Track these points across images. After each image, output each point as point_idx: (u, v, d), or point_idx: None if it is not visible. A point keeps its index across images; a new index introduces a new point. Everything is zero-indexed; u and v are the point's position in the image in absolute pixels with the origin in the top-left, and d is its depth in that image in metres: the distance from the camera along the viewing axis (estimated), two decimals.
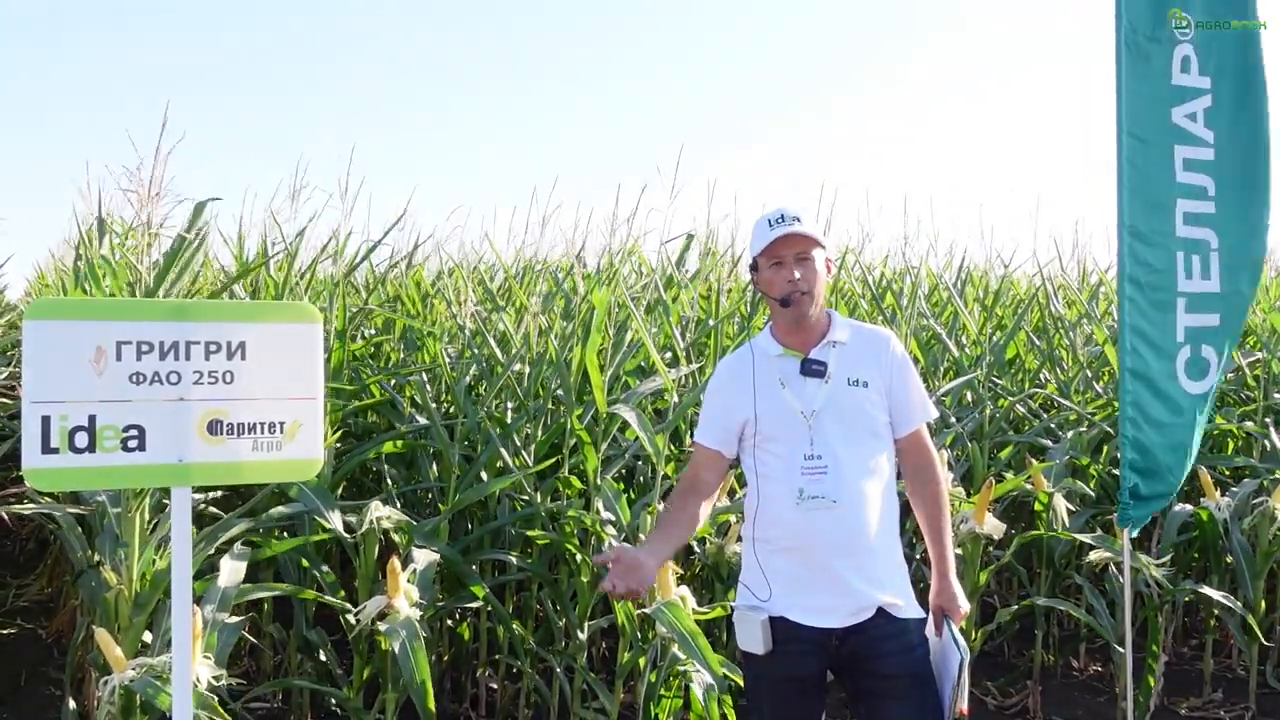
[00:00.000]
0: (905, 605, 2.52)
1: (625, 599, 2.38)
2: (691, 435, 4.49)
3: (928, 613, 2.61)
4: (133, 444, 2.35)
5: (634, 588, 2.37)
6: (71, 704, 3.70)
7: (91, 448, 2.31)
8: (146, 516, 3.27)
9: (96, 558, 3.40)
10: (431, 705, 3.14)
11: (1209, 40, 3.58)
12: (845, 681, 2.58)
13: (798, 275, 2.50)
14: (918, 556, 4.30)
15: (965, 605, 2.60)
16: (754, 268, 2.61)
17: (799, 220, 2.51)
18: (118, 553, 3.22)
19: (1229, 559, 4.70)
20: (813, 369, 2.53)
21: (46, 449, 2.28)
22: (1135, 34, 3.53)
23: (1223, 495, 4.65)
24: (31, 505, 3.79)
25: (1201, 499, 4.65)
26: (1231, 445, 5.60)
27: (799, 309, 2.52)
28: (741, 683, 3.39)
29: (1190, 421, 3.60)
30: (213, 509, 4.02)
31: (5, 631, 5.18)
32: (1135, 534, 3.75)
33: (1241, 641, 4.62)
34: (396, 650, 3.16)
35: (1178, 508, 4.71)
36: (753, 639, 2.51)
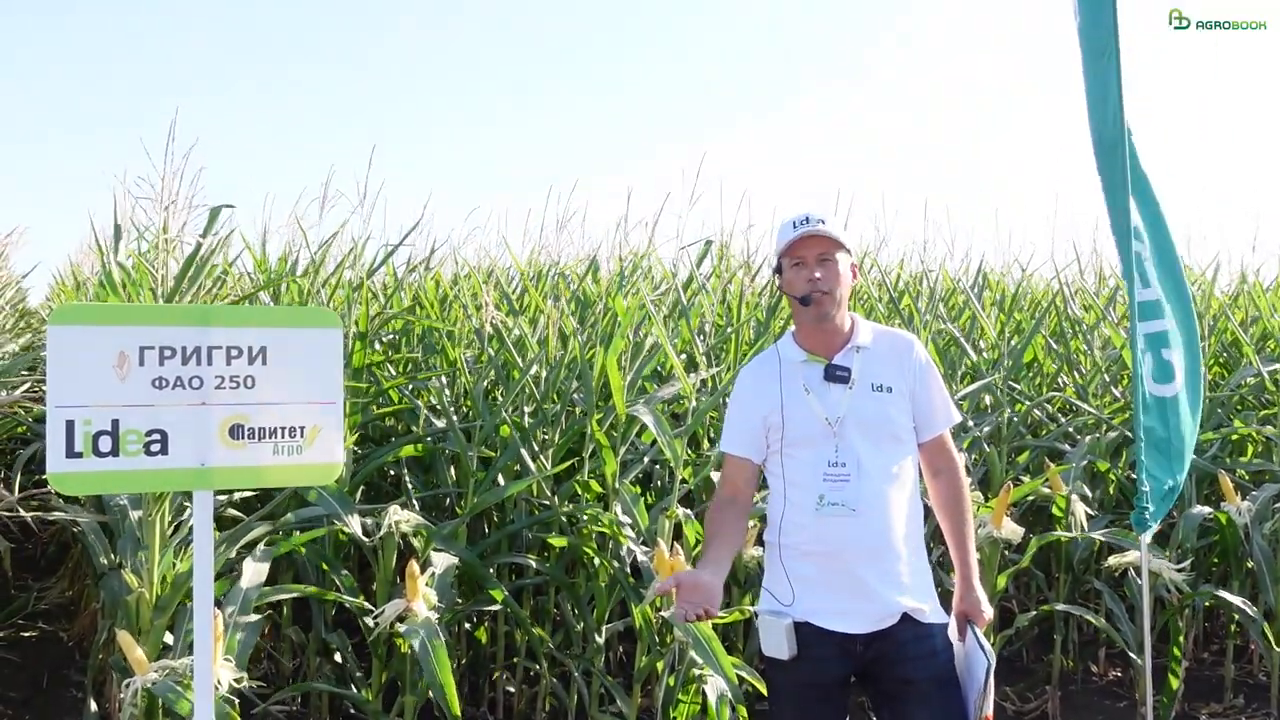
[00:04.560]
0: (929, 610, 2.51)
1: (701, 619, 2.38)
2: (710, 440, 4.52)
3: (950, 617, 2.61)
4: (155, 448, 2.37)
5: (706, 608, 2.33)
6: (93, 706, 3.73)
7: (115, 452, 2.33)
8: (167, 519, 3.29)
9: (118, 560, 3.43)
10: (455, 704, 3.15)
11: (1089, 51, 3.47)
12: (869, 686, 2.57)
13: (818, 275, 2.50)
14: (934, 561, 4.29)
15: (989, 611, 2.58)
16: (778, 269, 2.60)
17: (823, 222, 2.51)
18: (138, 555, 3.25)
19: (1250, 563, 4.67)
20: (837, 375, 2.52)
21: (70, 453, 2.30)
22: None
23: (1243, 499, 4.62)
24: (57, 513, 3.82)
25: (1221, 503, 4.62)
26: (1251, 450, 5.56)
27: (819, 309, 2.51)
28: (759, 687, 3.41)
29: (1163, 424, 3.56)
30: (232, 511, 4.04)
31: (27, 634, 5.22)
32: (1148, 538, 3.72)
33: (1262, 647, 4.59)
34: (416, 649, 3.17)
35: (1194, 510, 4.67)
36: (777, 644, 2.50)
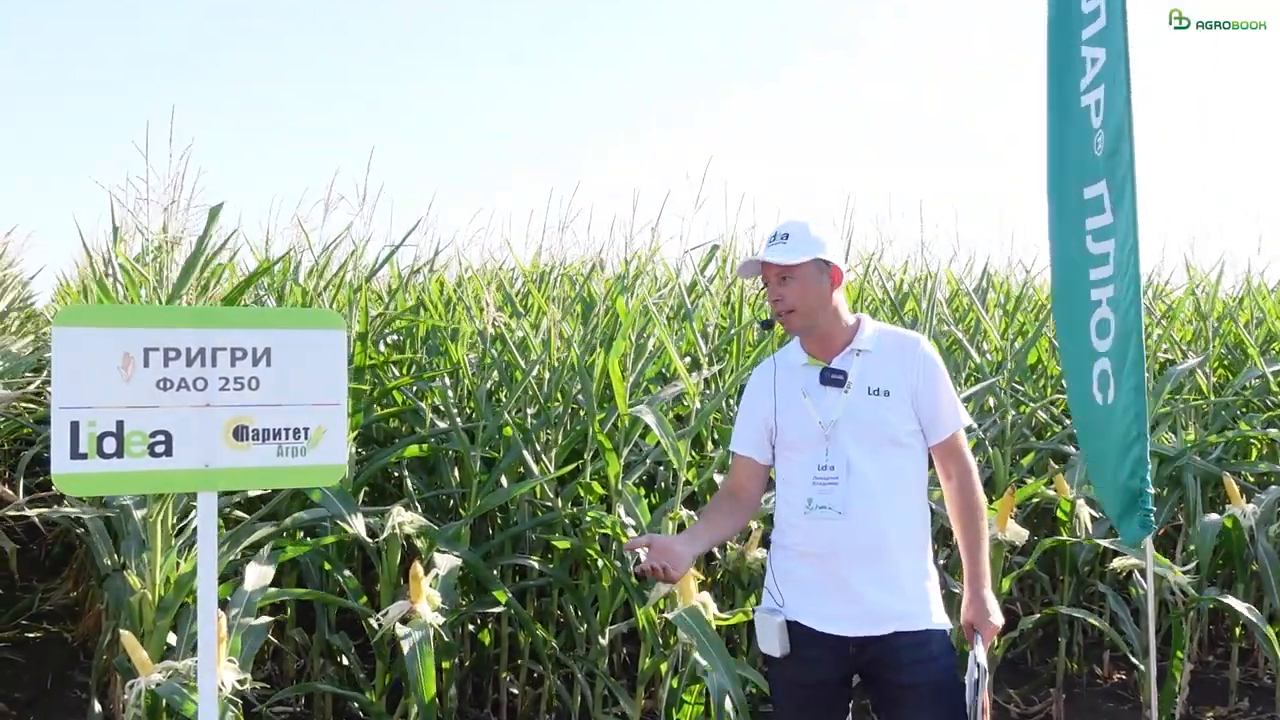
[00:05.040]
0: (926, 615, 2.49)
1: (659, 578, 2.42)
2: (714, 442, 4.52)
3: (957, 623, 2.59)
4: (160, 449, 2.37)
5: (665, 567, 2.38)
6: (97, 707, 3.74)
7: (119, 453, 2.34)
8: (171, 520, 3.30)
9: (121, 561, 3.43)
10: (434, 708, 3.16)
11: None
12: (869, 690, 2.57)
13: (778, 295, 2.54)
14: (940, 563, 4.28)
15: (998, 620, 2.55)
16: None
17: (787, 238, 2.53)
18: (142, 557, 3.26)
19: (1254, 566, 4.65)
20: (832, 378, 2.53)
21: (75, 454, 2.31)
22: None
23: (1248, 502, 4.60)
24: (60, 510, 3.82)
25: (1226, 505, 4.60)
26: (1255, 451, 5.55)
27: (788, 327, 2.58)
28: (762, 689, 3.40)
29: (1102, 436, 3.48)
30: (237, 511, 4.04)
31: (31, 635, 5.23)
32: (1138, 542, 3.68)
33: (1267, 650, 4.58)
34: (406, 653, 3.18)
35: (1210, 518, 4.64)
36: (770, 641, 2.52)
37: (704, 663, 3.31)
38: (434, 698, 3.18)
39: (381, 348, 5.08)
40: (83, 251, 4.78)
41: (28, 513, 3.93)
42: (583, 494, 4.22)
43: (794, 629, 2.51)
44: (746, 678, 3.50)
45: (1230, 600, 4.30)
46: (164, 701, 2.88)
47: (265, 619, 3.26)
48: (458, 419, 4.29)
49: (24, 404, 5.02)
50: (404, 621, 3.30)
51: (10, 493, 4.33)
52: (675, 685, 3.58)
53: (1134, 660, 4.41)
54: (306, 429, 2.50)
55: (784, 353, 2.67)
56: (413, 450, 4.30)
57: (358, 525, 3.66)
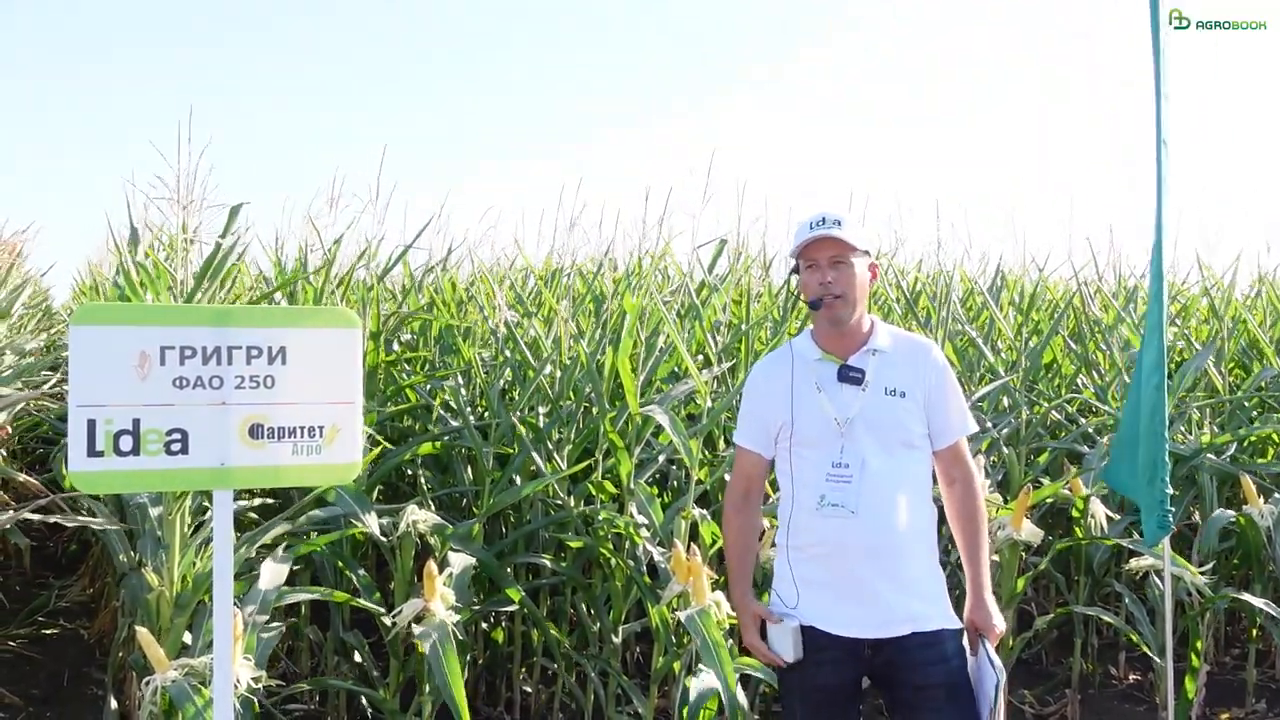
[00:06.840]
0: (939, 616, 2.49)
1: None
2: (725, 440, 4.51)
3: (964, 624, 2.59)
4: (175, 447, 2.38)
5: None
6: (113, 704, 3.75)
7: (135, 451, 2.35)
8: (187, 519, 3.31)
9: (138, 559, 3.45)
10: (464, 711, 3.15)
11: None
12: (883, 692, 2.57)
13: (830, 278, 2.49)
14: (951, 562, 4.27)
15: (1001, 624, 2.55)
16: (795, 269, 2.61)
17: (839, 223, 2.50)
18: (159, 554, 3.27)
19: (1271, 567, 4.62)
20: (850, 376, 2.52)
21: (92, 452, 2.31)
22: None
23: (1265, 502, 4.57)
24: (82, 518, 3.84)
25: (1244, 505, 4.58)
26: (1272, 451, 5.51)
27: (830, 312, 2.51)
28: (773, 686, 3.39)
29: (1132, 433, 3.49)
30: (253, 514, 4.06)
31: (48, 632, 5.26)
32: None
33: None
34: (428, 652, 3.18)
35: (1216, 513, 4.63)
36: (785, 647, 2.50)
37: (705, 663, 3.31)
38: (464, 699, 3.17)
39: (394, 346, 5.09)
40: (110, 249, 4.80)
41: (62, 505, 3.93)
42: (594, 493, 4.22)
43: (807, 633, 2.50)
44: (759, 677, 3.49)
45: (1247, 598, 4.27)
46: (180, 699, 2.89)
47: (280, 625, 3.27)
48: (470, 417, 4.30)
49: (42, 401, 5.04)
50: (418, 620, 3.30)
51: (37, 484, 4.36)
52: (689, 685, 3.57)
53: (1150, 656, 4.39)
54: (321, 427, 2.50)
55: (795, 345, 2.64)
56: (426, 448, 4.31)
57: (372, 524, 3.67)
